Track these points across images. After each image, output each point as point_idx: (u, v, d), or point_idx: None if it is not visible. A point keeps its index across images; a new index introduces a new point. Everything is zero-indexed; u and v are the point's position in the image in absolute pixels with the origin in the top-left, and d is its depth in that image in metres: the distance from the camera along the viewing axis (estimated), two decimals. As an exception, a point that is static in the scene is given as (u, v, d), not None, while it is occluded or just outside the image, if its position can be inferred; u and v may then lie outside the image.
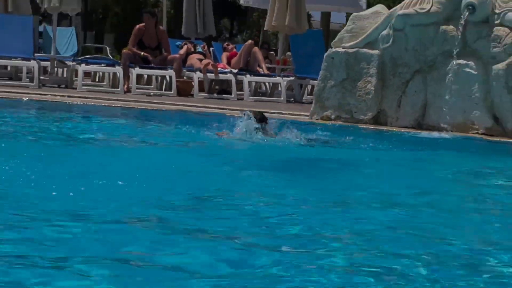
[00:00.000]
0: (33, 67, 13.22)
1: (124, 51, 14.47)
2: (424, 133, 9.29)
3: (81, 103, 10.99)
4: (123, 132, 8.29)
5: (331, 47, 10.44)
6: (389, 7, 10.58)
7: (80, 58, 15.07)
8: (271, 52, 17.76)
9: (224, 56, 15.48)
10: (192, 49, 15.03)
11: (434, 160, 7.34)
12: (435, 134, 9.21)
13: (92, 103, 10.97)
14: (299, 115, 10.89)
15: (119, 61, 14.74)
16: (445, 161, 7.37)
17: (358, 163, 6.77)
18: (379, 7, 10.63)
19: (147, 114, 10.44)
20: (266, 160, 6.63)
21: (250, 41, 16.01)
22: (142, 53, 13.97)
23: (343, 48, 10.23)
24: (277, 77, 14.71)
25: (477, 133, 9.29)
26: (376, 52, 9.99)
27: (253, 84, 15.06)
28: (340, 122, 10.01)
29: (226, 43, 17.06)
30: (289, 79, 14.77)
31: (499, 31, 9.31)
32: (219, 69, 14.26)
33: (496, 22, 9.37)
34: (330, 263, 3.21)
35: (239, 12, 43.97)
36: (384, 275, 3.10)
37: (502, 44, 9.26)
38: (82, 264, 3.02)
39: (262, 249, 3.39)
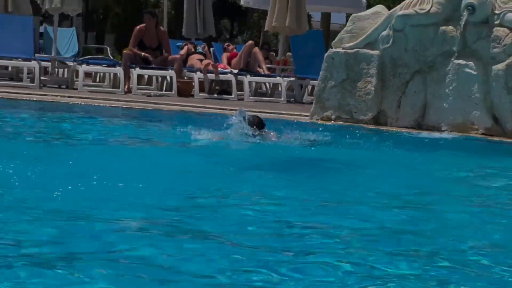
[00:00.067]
0: (34, 67, 13.22)
1: (124, 51, 14.47)
2: (425, 134, 9.28)
3: (82, 103, 10.98)
4: (123, 132, 8.28)
5: (331, 48, 10.43)
6: (389, 8, 10.57)
7: (81, 58, 15.09)
8: (272, 53, 17.76)
9: (225, 56, 15.48)
10: (193, 50, 15.03)
11: (435, 160, 7.34)
12: (435, 134, 9.20)
13: (93, 104, 10.96)
14: (300, 115, 10.88)
15: (120, 62, 14.74)
16: (445, 161, 7.36)
17: (358, 163, 6.75)
18: (379, 7, 10.62)
19: (147, 115, 10.43)
20: (265, 161, 6.62)
21: (250, 41, 16.01)
22: (142, 53, 13.97)
23: (343, 49, 10.22)
24: (278, 78, 14.70)
25: (477, 133, 9.28)
26: (376, 52, 9.99)
27: (254, 84, 15.05)
28: (340, 123, 10.00)
29: (227, 43, 17.06)
30: (289, 79, 14.77)
31: (499, 31, 9.30)
32: (219, 69, 14.25)
33: (495, 22, 9.36)
34: (332, 263, 3.20)
35: (239, 13, 43.97)
36: (384, 275, 3.09)
37: (502, 44, 9.25)
38: (80, 263, 3.01)
39: (262, 250, 3.38)
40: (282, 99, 14.06)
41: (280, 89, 14.54)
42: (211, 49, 16.27)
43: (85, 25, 35.17)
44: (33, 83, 13.13)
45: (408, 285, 3.00)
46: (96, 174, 4.94)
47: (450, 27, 9.58)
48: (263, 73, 14.77)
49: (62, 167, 5.36)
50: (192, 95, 13.69)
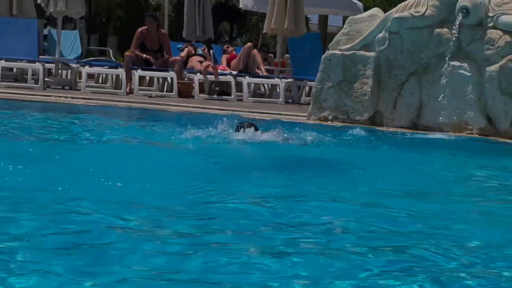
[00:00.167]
0: (38, 69, 13.22)
1: (126, 53, 14.45)
2: (420, 134, 9.26)
3: (85, 104, 10.97)
4: (124, 132, 8.24)
5: (328, 50, 10.41)
6: (385, 11, 10.54)
7: (84, 60, 15.05)
8: (270, 55, 17.75)
9: (224, 58, 15.46)
10: (193, 52, 15.02)
11: (431, 160, 7.31)
12: (430, 134, 9.19)
13: (95, 104, 10.95)
14: (297, 116, 10.86)
15: (122, 63, 14.71)
16: (441, 161, 7.34)
17: (355, 163, 6.72)
18: (375, 10, 10.60)
19: (149, 115, 10.40)
20: (265, 161, 6.59)
21: (249, 43, 15.99)
22: (144, 55, 13.95)
23: (340, 51, 10.19)
24: (276, 79, 14.67)
25: (471, 133, 9.27)
26: (372, 54, 9.96)
27: (252, 85, 15.03)
28: (337, 123, 9.98)
29: (226, 45, 17.07)
30: (287, 80, 14.74)
31: (493, 34, 9.28)
32: (219, 71, 14.23)
33: (489, 25, 9.35)
34: (331, 264, 3.17)
35: (238, 15, 43.96)
36: (384, 275, 3.06)
37: (495, 46, 9.23)
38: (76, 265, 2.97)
39: (263, 250, 3.35)
40: (280, 100, 14.03)
41: (278, 90, 14.51)
42: (211, 51, 16.25)
43: (88, 28, 35.14)
44: (37, 84, 13.13)
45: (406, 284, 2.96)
46: (93, 172, 4.92)
47: (445, 30, 9.56)
48: (261, 74, 14.74)
49: (61, 166, 5.33)
50: (192, 96, 13.67)
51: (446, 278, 3.05)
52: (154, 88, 15.11)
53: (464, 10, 9.38)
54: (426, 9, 9.65)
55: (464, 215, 4.51)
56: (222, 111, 10.76)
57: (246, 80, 14.16)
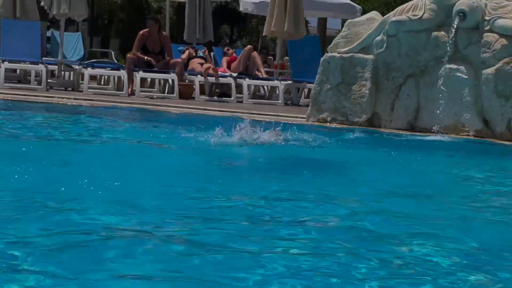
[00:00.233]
0: (41, 70, 13.21)
1: (128, 55, 14.45)
2: (417, 135, 9.25)
3: (87, 105, 10.97)
4: (125, 132, 8.24)
5: (327, 52, 10.39)
6: (383, 14, 10.53)
7: (86, 62, 15.02)
8: (270, 57, 17.72)
9: (224, 60, 15.44)
10: (194, 54, 15.01)
11: (428, 160, 7.31)
12: (428, 136, 9.18)
13: (98, 105, 10.94)
14: (296, 117, 10.85)
15: (124, 65, 14.71)
16: (439, 162, 7.34)
17: (355, 164, 6.72)
18: (373, 13, 10.58)
19: (150, 116, 10.39)
20: (265, 162, 6.57)
21: (249, 46, 15.98)
22: (145, 57, 13.94)
23: (338, 53, 10.18)
24: (275, 81, 14.66)
25: (468, 135, 9.27)
26: (370, 57, 9.95)
27: (252, 87, 15.02)
28: (335, 125, 9.97)
29: (226, 48, 17.03)
30: (286, 82, 14.73)
31: (489, 37, 9.28)
32: (219, 73, 14.22)
33: (486, 28, 9.34)
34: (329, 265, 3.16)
35: (239, 18, 43.93)
36: (383, 276, 3.05)
37: (492, 49, 9.23)
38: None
39: (263, 251, 3.34)
40: (280, 101, 14.02)
41: (277, 92, 14.50)
42: (212, 53, 16.23)
43: (90, 30, 35.09)
44: (40, 85, 13.12)
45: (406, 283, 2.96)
46: (98, 172, 4.91)
47: (442, 33, 9.55)
48: (261, 76, 14.73)
49: (63, 167, 5.32)
50: (193, 98, 13.66)
51: (447, 279, 3.05)
52: (156, 89, 15.09)
53: (461, 14, 9.37)
54: (424, 13, 9.64)
55: (464, 216, 4.51)
56: (222, 112, 10.76)
57: (246, 82, 14.15)
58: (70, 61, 15.16)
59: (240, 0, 20.60)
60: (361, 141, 8.47)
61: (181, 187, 4.89)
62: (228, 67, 15.05)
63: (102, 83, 16.69)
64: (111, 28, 42.04)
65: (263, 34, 16.22)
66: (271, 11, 14.79)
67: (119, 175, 4.97)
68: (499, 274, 3.17)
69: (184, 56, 14.77)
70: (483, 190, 5.83)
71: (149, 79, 15.23)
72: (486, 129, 9.29)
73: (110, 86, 15.71)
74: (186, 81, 14.10)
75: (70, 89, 14.01)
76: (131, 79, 13.56)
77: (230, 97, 13.96)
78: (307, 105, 11.06)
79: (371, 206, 4.61)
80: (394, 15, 9.92)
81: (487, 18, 9.34)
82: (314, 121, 10.20)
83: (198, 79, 13.87)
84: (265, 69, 15.14)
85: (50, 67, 14.07)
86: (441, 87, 9.42)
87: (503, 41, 9.20)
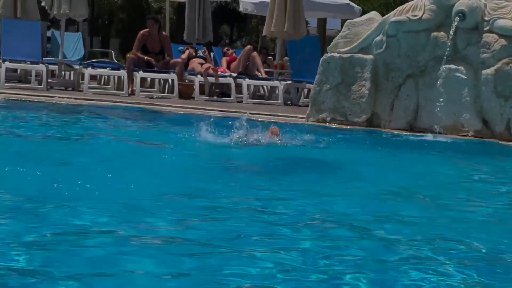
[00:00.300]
0: (42, 70, 13.20)
1: (128, 55, 14.42)
2: (417, 135, 9.22)
3: (87, 104, 10.95)
4: (125, 132, 8.21)
5: (327, 52, 10.37)
6: (383, 14, 10.50)
7: (86, 62, 15.00)
8: (269, 57, 17.67)
9: (224, 60, 15.42)
10: (194, 54, 14.98)
11: (427, 161, 7.28)
12: (427, 136, 9.15)
13: (98, 105, 10.93)
14: (296, 117, 10.83)
15: (124, 65, 14.68)
16: (438, 162, 7.31)
17: (354, 164, 6.69)
18: (373, 14, 10.55)
19: (150, 116, 10.37)
20: (265, 163, 6.54)
21: (249, 46, 15.95)
22: (145, 57, 13.92)
23: (338, 53, 10.15)
24: (275, 81, 14.63)
25: (467, 135, 9.24)
26: (370, 57, 9.92)
27: (252, 87, 15.00)
28: (335, 125, 9.94)
29: (226, 48, 17.00)
30: (286, 82, 14.70)
31: (488, 37, 9.25)
32: (219, 73, 14.19)
33: (485, 29, 9.31)
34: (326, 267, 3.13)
35: (238, 19, 43.92)
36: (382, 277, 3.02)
37: (491, 50, 9.20)
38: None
39: (263, 252, 3.31)
40: (279, 101, 14.00)
41: (277, 92, 14.47)
42: (211, 53, 16.20)
43: (90, 30, 35.08)
44: (41, 85, 13.11)
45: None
46: (97, 172, 4.88)
47: (442, 33, 9.52)
48: (261, 76, 14.70)
49: (63, 166, 5.29)
50: (193, 98, 13.63)
51: (447, 279, 3.02)
52: (156, 89, 15.06)
53: (460, 14, 9.34)
54: (423, 13, 9.61)
55: (464, 217, 4.48)
56: (222, 112, 10.73)
57: (245, 82, 14.12)
58: (70, 61, 15.13)
59: (240, 0, 20.58)
60: (360, 141, 8.44)
61: (180, 186, 4.86)
62: (228, 67, 15.02)
63: (102, 83, 16.66)
64: (111, 28, 42.05)
65: (263, 34, 16.20)
66: (271, 12, 14.76)
67: (119, 174, 4.94)
68: (498, 273, 3.15)
69: (184, 56, 14.74)
70: (481, 190, 5.80)
71: (149, 79, 15.21)
72: (485, 129, 9.27)
73: (110, 86, 15.69)
74: (186, 81, 14.07)
75: (70, 88, 13.99)
76: (131, 79, 13.54)
77: (230, 97, 13.93)
78: (307, 105, 11.04)
79: (369, 207, 4.58)
80: (393, 16, 9.89)
81: (486, 18, 9.31)
82: (313, 121, 10.18)
83: (198, 79, 13.85)
84: (264, 69, 15.11)
85: (51, 67, 14.06)
86: (441, 87, 9.40)
87: (503, 41, 9.17)
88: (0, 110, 9.86)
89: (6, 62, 13.12)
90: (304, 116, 10.43)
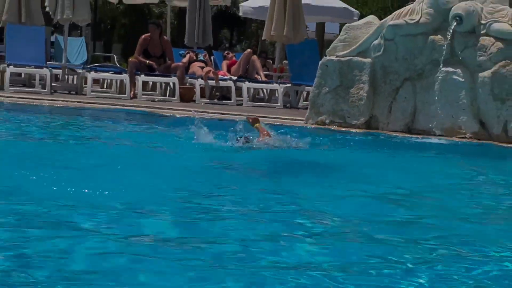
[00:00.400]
0: (46, 74, 13.19)
1: (130, 59, 14.37)
2: (414, 138, 9.19)
3: (90, 108, 10.94)
4: (127, 134, 8.18)
5: (326, 56, 10.34)
6: (380, 18, 10.47)
7: (89, 66, 14.96)
8: (269, 61, 17.64)
9: (224, 64, 15.38)
10: (194, 58, 14.94)
11: (427, 162, 7.25)
12: (425, 138, 9.12)
13: (101, 108, 10.92)
14: (295, 120, 10.79)
15: (126, 69, 14.64)
16: (437, 163, 7.29)
17: (353, 165, 6.64)
18: (371, 18, 10.51)
19: (152, 119, 10.35)
20: (264, 165, 6.50)
21: (249, 50, 15.91)
22: (147, 61, 13.88)
23: (336, 57, 10.11)
24: (274, 84, 14.60)
25: (464, 137, 9.20)
26: (368, 60, 9.88)
27: (252, 90, 14.96)
28: (334, 127, 9.90)
29: (226, 52, 16.96)
30: (285, 86, 14.65)
31: (485, 41, 9.21)
32: (219, 76, 14.16)
33: (482, 32, 9.27)
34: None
35: (238, 23, 43.92)
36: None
37: (488, 53, 9.16)
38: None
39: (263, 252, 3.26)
40: (279, 104, 13.97)
41: (276, 95, 14.44)
42: (212, 57, 16.16)
43: (93, 35, 35.01)
44: (45, 89, 13.12)
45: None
46: (97, 174, 4.84)
47: (439, 37, 9.47)
48: (260, 80, 14.67)
49: (64, 166, 5.26)
50: (194, 101, 13.60)
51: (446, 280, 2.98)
52: (157, 92, 15.04)
53: (457, 18, 9.30)
54: (421, 17, 9.57)
55: (464, 217, 4.44)
56: (223, 115, 10.70)
57: (245, 85, 14.09)
58: (73, 65, 15.10)
59: (240, 5, 20.54)
60: (359, 143, 8.41)
61: (180, 186, 4.82)
62: (228, 70, 14.99)
63: (105, 86, 16.64)
64: (114, 33, 42.06)
65: (263, 38, 16.18)
66: (271, 16, 14.74)
67: (116, 176, 4.91)
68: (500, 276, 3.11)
69: (185, 60, 14.70)
70: (481, 191, 5.77)
71: (150, 83, 15.18)
72: (482, 131, 9.22)
73: (112, 90, 15.66)
74: (187, 84, 14.04)
75: (73, 92, 13.96)
76: (133, 83, 13.52)
77: (230, 100, 13.90)
78: (306, 108, 11.01)
79: (368, 208, 4.54)
80: (391, 19, 9.86)
81: (483, 22, 9.27)
82: (312, 124, 10.14)
83: (198, 83, 13.82)
84: (264, 72, 15.08)
85: (54, 71, 14.03)
86: (438, 90, 9.35)
87: (499, 44, 9.14)
88: (5, 113, 9.85)
89: (11, 67, 13.09)
90: (303, 118, 10.40)
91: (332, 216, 4.20)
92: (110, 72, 14.84)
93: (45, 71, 13.20)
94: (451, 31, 9.32)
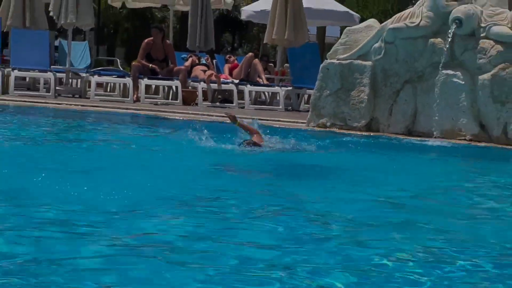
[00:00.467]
0: (50, 78, 13.21)
1: (133, 63, 14.38)
2: (414, 140, 9.17)
3: (94, 111, 10.95)
4: (130, 137, 8.17)
5: (327, 59, 10.32)
6: (381, 22, 10.44)
7: (93, 70, 14.95)
8: (270, 64, 17.62)
9: (226, 67, 15.37)
10: (197, 61, 14.93)
11: (426, 164, 7.24)
12: (425, 140, 9.09)
13: (104, 111, 10.93)
14: (297, 122, 10.78)
15: (129, 73, 14.63)
16: (437, 165, 7.27)
17: (354, 167, 6.62)
18: (372, 21, 10.49)
19: (154, 122, 10.34)
20: (269, 168, 6.48)
21: (250, 53, 15.91)
22: (150, 65, 13.88)
23: (337, 60, 10.09)
24: (276, 87, 14.59)
25: (464, 139, 9.18)
26: (368, 63, 9.86)
27: (253, 93, 14.96)
28: (335, 129, 9.89)
29: (228, 55, 16.95)
30: (287, 89, 14.64)
31: (485, 43, 9.19)
32: (221, 79, 14.15)
33: (481, 35, 9.26)
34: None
35: (240, 26, 43.92)
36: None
37: (488, 56, 9.14)
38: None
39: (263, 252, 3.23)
40: (280, 107, 13.95)
41: (278, 98, 14.42)
42: (214, 60, 16.15)
43: (97, 39, 35.05)
44: (49, 92, 13.12)
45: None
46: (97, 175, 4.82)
47: (439, 40, 9.45)
48: (262, 83, 14.66)
49: (65, 167, 5.25)
50: (196, 104, 13.59)
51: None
52: (160, 96, 15.02)
53: (457, 21, 9.28)
54: (421, 20, 9.55)
55: (465, 218, 4.42)
56: (224, 118, 10.66)
57: (247, 88, 14.09)
58: (77, 69, 15.10)
59: (241, 9, 20.53)
60: (360, 146, 8.40)
61: (183, 188, 4.80)
62: (230, 74, 14.98)
63: (108, 90, 16.63)
64: (117, 37, 42.10)
65: (264, 42, 16.16)
66: (272, 20, 14.73)
67: (116, 178, 4.90)
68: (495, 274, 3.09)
69: (187, 63, 14.69)
70: (479, 194, 5.75)
71: (153, 86, 15.18)
72: (482, 133, 9.20)
73: (116, 93, 15.65)
74: (190, 87, 14.03)
75: (77, 96, 13.98)
76: (136, 86, 13.52)
77: (232, 103, 13.88)
78: (307, 111, 11.00)
79: (369, 210, 4.52)
80: (391, 23, 9.84)
81: (483, 25, 9.24)
82: (314, 126, 10.13)
83: (201, 86, 13.82)
84: (266, 75, 15.07)
85: (58, 75, 14.05)
86: (438, 92, 9.33)
87: (499, 47, 9.11)
88: (9, 115, 9.86)
89: (15, 71, 13.10)
90: (305, 121, 10.38)
91: (334, 218, 4.19)
92: (113, 76, 14.84)
93: (49, 75, 13.21)
94: (451, 34, 9.30)
